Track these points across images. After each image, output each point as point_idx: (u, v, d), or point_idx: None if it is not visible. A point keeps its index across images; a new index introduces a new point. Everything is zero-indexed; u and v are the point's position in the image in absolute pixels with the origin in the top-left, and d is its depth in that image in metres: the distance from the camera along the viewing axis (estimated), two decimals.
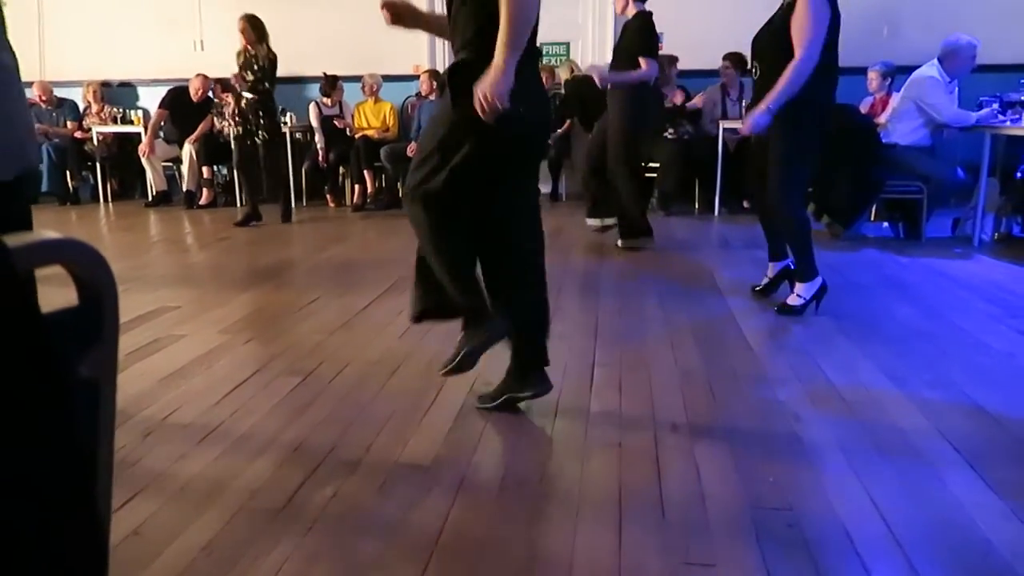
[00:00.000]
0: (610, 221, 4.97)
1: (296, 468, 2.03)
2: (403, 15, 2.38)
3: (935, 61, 4.92)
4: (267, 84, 5.80)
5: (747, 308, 3.55)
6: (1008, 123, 4.77)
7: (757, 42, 3.45)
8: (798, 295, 3.41)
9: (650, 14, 4.59)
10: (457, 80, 2.12)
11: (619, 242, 4.87)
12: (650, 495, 1.87)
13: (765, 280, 3.73)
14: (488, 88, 1.99)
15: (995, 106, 4.95)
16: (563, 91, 6.95)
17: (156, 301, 3.75)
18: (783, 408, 2.39)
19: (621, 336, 3.15)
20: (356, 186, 6.91)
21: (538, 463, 2.06)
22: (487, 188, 2.23)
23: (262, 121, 5.85)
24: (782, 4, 3.32)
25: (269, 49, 5.76)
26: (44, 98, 7.52)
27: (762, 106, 3.22)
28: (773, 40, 3.30)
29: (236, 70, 5.86)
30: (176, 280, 4.31)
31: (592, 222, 5.07)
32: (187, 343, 3.11)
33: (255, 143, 5.90)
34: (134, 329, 3.29)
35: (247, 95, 5.80)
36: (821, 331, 3.18)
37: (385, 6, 2.33)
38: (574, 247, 5.07)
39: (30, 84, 7.73)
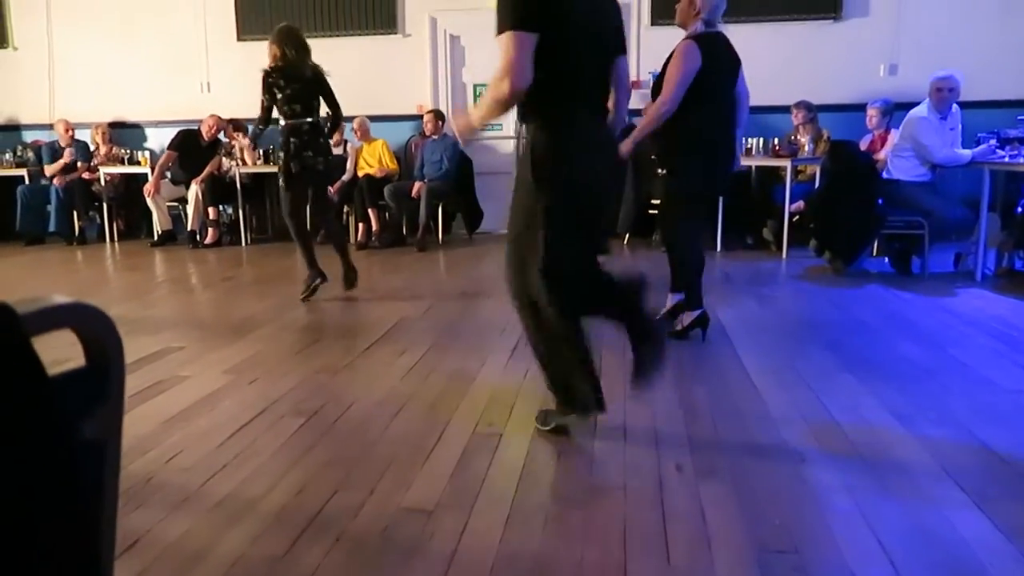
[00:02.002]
0: None
1: (299, 513, 2.02)
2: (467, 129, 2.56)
3: (926, 100, 4.97)
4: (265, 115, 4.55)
5: (750, 344, 3.55)
6: (1007, 159, 4.81)
7: (654, 84, 3.64)
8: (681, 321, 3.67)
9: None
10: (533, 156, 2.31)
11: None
12: (655, 538, 1.86)
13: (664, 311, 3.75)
14: (457, 121, 2.44)
15: (992, 142, 4.99)
16: None
17: (160, 342, 3.76)
18: (788, 447, 2.38)
19: (625, 374, 3.13)
20: (360, 224, 6.96)
21: (541, 507, 2.05)
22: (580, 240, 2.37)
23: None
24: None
25: (281, 62, 4.46)
26: (69, 133, 7.63)
27: (628, 139, 3.49)
28: (658, 82, 3.53)
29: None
30: (180, 320, 4.33)
31: None
32: (191, 384, 3.12)
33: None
34: (138, 371, 3.30)
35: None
36: (825, 368, 3.17)
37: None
38: None
39: (48, 126, 7.86)
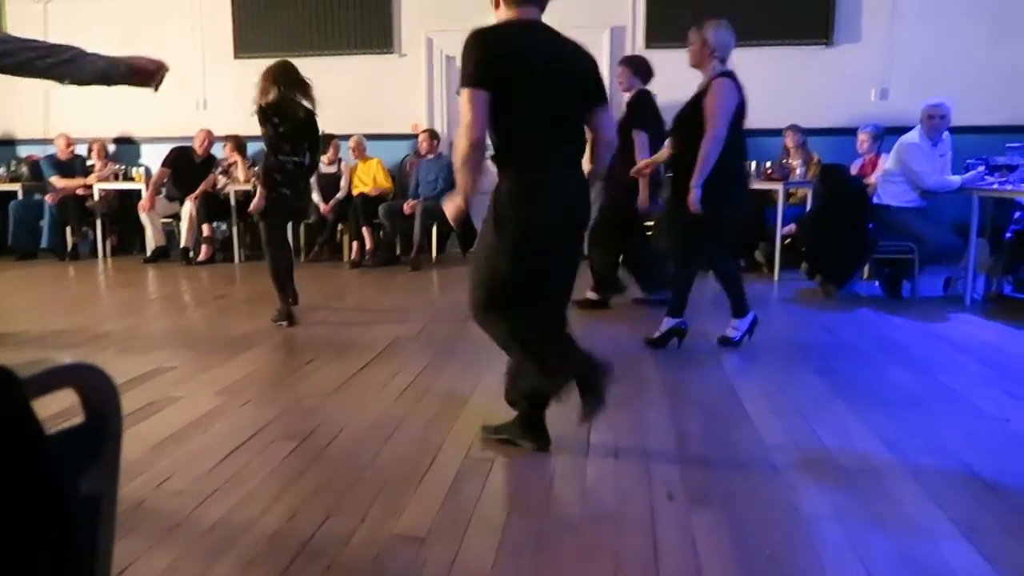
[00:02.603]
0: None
1: (290, 539, 2.01)
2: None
3: (918, 126, 5.03)
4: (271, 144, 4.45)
5: (742, 369, 3.57)
6: (996, 185, 4.86)
7: (676, 122, 3.85)
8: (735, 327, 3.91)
9: (647, 93, 4.84)
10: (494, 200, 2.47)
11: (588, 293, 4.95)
12: (646, 568, 1.86)
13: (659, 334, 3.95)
14: (449, 211, 2.48)
15: (981, 168, 5.05)
16: None
17: (153, 362, 3.75)
18: (779, 476, 2.39)
19: (618, 400, 3.13)
20: (354, 243, 6.97)
21: (533, 535, 2.05)
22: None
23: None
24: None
25: (277, 99, 4.41)
26: (70, 148, 7.65)
27: (693, 186, 3.58)
28: (688, 120, 3.71)
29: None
30: (173, 339, 4.32)
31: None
32: (183, 406, 3.11)
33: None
34: (131, 391, 3.29)
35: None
36: (816, 394, 3.19)
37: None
38: (570, 309, 5.09)
39: (48, 140, 7.85)
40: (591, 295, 4.99)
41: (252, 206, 4.57)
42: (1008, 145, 5.25)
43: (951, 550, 1.92)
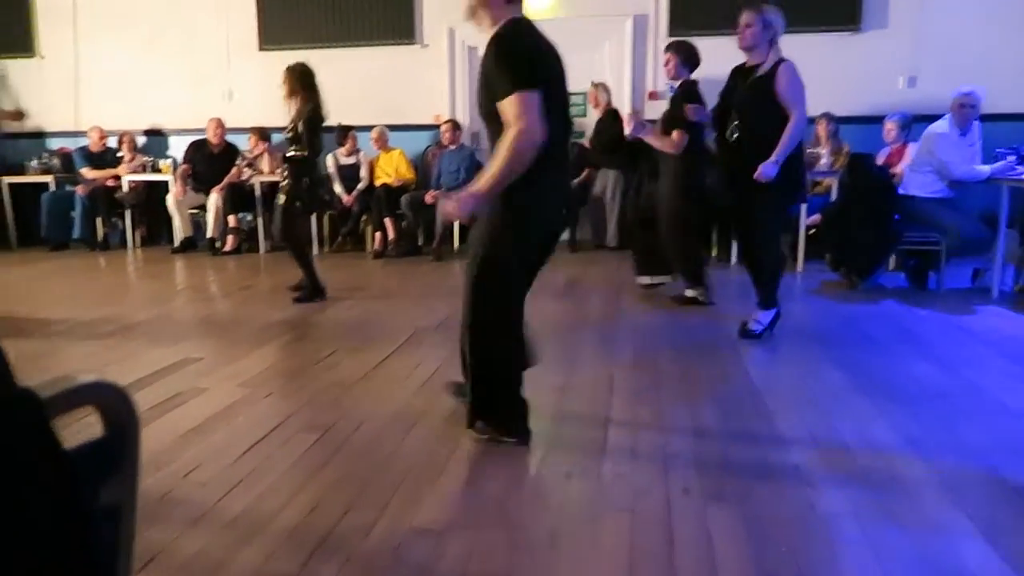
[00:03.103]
0: (661, 279, 4.99)
1: (311, 531, 2.06)
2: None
3: (948, 115, 4.95)
4: (301, 146, 4.82)
5: (762, 362, 3.56)
6: None
7: (742, 108, 3.82)
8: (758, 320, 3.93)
9: (695, 83, 4.62)
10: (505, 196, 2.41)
11: (687, 292, 4.81)
12: (662, 563, 1.88)
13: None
14: (460, 206, 2.33)
15: (1011, 158, 4.95)
16: (586, 138, 7.10)
17: (179, 352, 3.82)
18: (797, 472, 2.39)
19: (637, 393, 3.16)
20: (377, 233, 7.02)
21: (550, 528, 2.07)
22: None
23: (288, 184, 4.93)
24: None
25: (306, 104, 4.81)
26: (103, 141, 7.79)
27: (771, 159, 3.63)
28: (757, 104, 3.73)
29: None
30: (199, 330, 4.40)
31: (643, 279, 5.07)
32: (208, 397, 3.17)
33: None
34: (158, 382, 3.37)
35: (288, 153, 4.95)
36: (837, 388, 3.17)
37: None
38: (590, 297, 5.11)
39: (79, 133, 7.98)
40: (689, 292, 4.78)
41: (284, 201, 4.97)
42: None
43: (969, 550, 1.91)
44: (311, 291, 5.02)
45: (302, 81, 4.80)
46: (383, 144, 7.28)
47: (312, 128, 4.81)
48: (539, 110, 2.28)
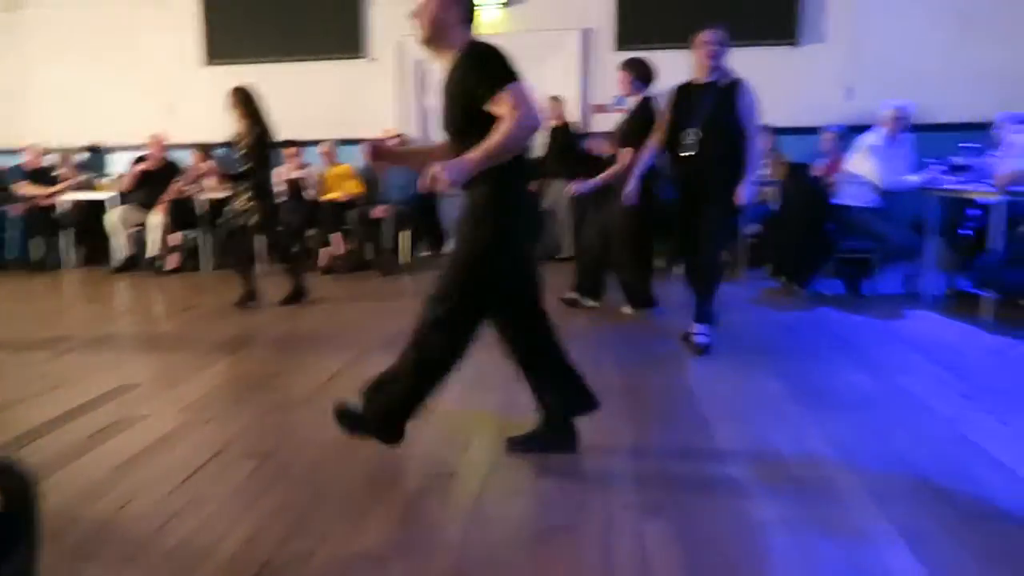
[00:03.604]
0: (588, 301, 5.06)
1: (250, 561, 2.04)
2: (386, 156, 2.75)
3: (877, 127, 5.12)
4: (252, 164, 5.12)
5: (703, 373, 3.62)
6: (951, 185, 4.96)
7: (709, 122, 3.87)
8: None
9: (652, 100, 4.65)
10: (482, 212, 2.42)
11: (627, 308, 4.90)
12: None
13: None
14: (447, 171, 2.21)
15: (938, 168, 5.13)
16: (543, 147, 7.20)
17: (118, 378, 3.74)
18: (733, 483, 2.44)
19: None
20: (324, 249, 6.96)
21: (491, 550, 2.09)
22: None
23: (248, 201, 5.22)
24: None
25: (254, 125, 5.09)
26: (40, 159, 7.58)
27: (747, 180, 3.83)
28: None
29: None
30: (140, 354, 4.31)
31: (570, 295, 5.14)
32: (146, 425, 3.11)
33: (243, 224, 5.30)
34: (95, 410, 3.29)
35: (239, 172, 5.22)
36: (774, 397, 3.25)
37: (371, 147, 2.65)
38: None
39: (16, 151, 7.74)
40: (626, 310, 4.91)
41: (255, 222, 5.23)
42: (961, 145, 5.35)
43: (895, 557, 1.98)
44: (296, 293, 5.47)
45: (247, 104, 5.09)
46: (332, 159, 7.24)
47: (262, 147, 5.12)
48: (531, 99, 2.27)
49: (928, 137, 6.12)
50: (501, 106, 2.26)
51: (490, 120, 2.28)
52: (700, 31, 3.87)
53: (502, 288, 2.54)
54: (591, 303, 5.07)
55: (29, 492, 0.59)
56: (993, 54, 6.76)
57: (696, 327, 3.98)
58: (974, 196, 4.86)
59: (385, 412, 2.60)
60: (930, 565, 1.93)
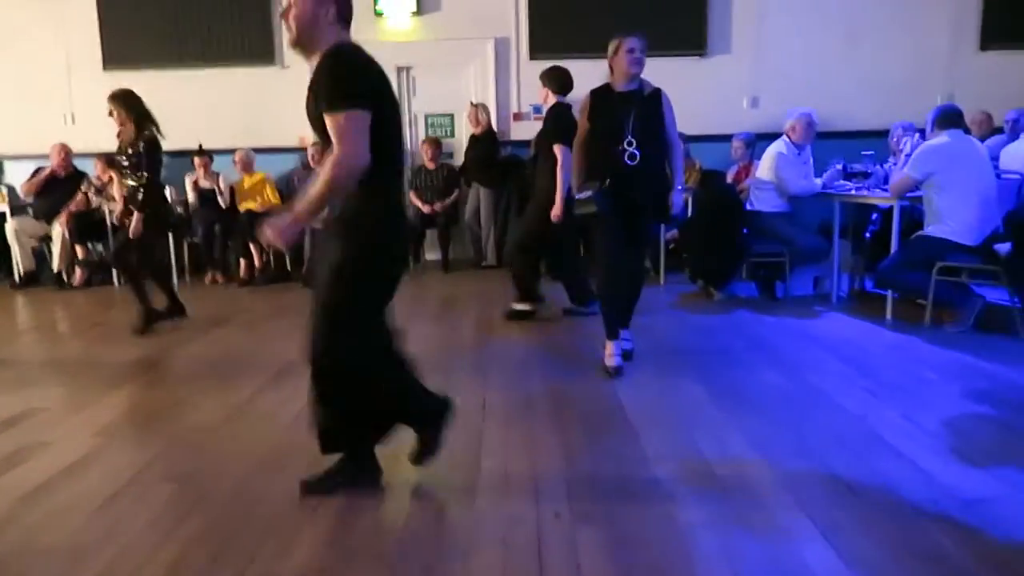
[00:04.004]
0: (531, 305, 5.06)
1: None
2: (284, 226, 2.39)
3: (783, 135, 5.35)
4: (144, 172, 4.73)
5: (627, 379, 3.69)
6: (853, 191, 5.23)
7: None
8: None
9: (566, 105, 4.83)
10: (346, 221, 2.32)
11: (517, 306, 4.99)
12: None
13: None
14: (279, 230, 2.21)
15: (838, 166, 5.37)
16: (455, 159, 7.20)
17: (23, 402, 3.54)
18: (660, 488, 2.51)
19: (508, 419, 3.21)
20: (242, 260, 6.77)
21: (424, 565, 2.08)
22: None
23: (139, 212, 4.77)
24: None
25: (143, 131, 4.73)
26: None
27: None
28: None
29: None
30: (46, 375, 4.08)
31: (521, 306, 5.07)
32: (55, 451, 2.95)
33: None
34: None
35: (127, 182, 4.84)
36: (696, 401, 3.35)
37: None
38: (463, 320, 5.14)
39: None
40: (518, 306, 5.00)
41: (133, 230, 4.74)
42: (863, 152, 5.64)
43: (812, 552, 2.07)
44: (171, 310, 5.05)
45: (130, 107, 4.72)
46: (247, 167, 7.05)
47: (152, 153, 4.74)
48: (365, 133, 2.16)
49: (825, 144, 6.43)
50: (333, 129, 2.16)
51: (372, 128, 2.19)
52: (620, 37, 3.76)
53: (388, 288, 2.41)
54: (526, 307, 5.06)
55: None
56: (881, 65, 7.19)
57: (622, 332, 3.92)
58: (874, 201, 5.12)
59: (350, 450, 2.53)
60: (846, 558, 2.03)
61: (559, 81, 4.90)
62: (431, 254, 7.49)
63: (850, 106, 7.10)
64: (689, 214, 6.15)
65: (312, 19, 2.26)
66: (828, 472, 2.58)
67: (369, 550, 2.16)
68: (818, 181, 5.36)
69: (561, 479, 2.59)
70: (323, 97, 2.17)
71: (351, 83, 2.18)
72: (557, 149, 4.66)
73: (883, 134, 5.97)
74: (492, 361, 4.10)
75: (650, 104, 3.79)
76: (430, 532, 2.28)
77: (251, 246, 6.70)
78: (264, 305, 5.81)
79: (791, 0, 7.25)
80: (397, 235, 2.41)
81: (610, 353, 3.81)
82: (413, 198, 7.16)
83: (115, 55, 7.32)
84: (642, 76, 3.84)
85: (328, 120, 2.17)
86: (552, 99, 4.89)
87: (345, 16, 2.33)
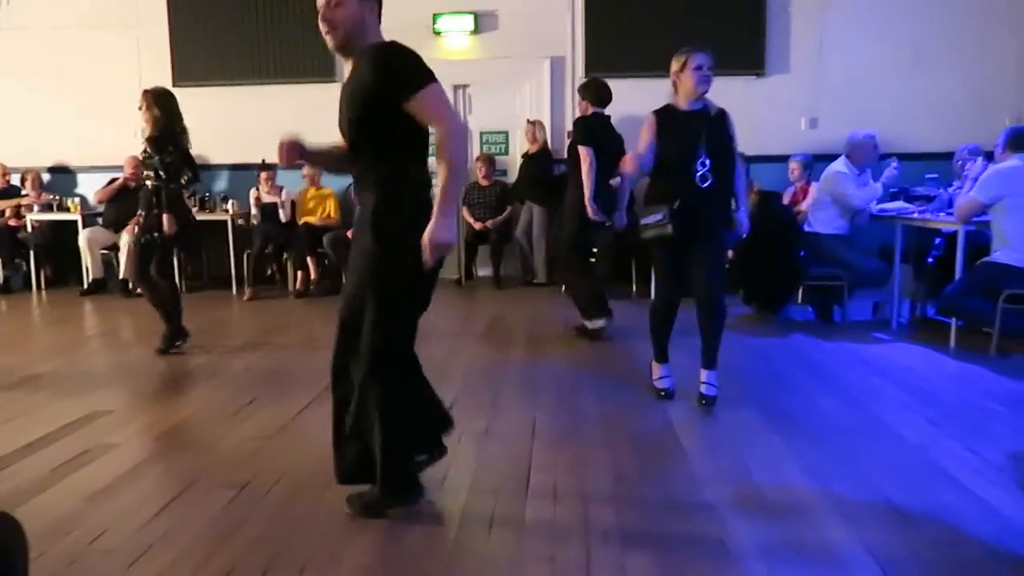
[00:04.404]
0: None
1: None
2: (296, 153, 2.49)
3: (843, 156, 5.25)
4: (163, 173, 4.56)
5: (679, 401, 3.65)
6: (916, 215, 5.09)
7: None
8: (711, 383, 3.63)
9: (600, 115, 4.94)
10: (379, 220, 2.28)
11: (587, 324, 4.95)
12: None
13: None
14: (435, 240, 2.19)
15: (893, 166, 5.17)
16: (509, 176, 7.27)
17: (88, 405, 3.67)
18: (711, 512, 2.47)
19: (559, 437, 3.20)
20: (299, 272, 6.93)
21: None
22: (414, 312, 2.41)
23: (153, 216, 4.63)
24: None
25: (154, 125, 4.58)
26: (6, 177, 7.50)
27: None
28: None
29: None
30: (110, 380, 4.23)
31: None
32: (118, 454, 3.06)
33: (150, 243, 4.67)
34: (64, 439, 3.23)
35: (147, 182, 4.67)
36: (749, 426, 3.29)
37: (282, 146, 2.44)
38: (514, 337, 5.15)
39: None
40: (589, 324, 4.93)
41: (168, 229, 4.60)
42: (927, 175, 5.50)
43: None
44: (171, 336, 4.74)
45: (155, 102, 4.60)
46: (315, 181, 7.22)
47: (160, 148, 4.55)
48: (449, 100, 2.21)
49: (883, 166, 6.29)
50: (425, 108, 2.16)
51: (393, 121, 2.19)
52: (686, 53, 3.54)
53: (418, 290, 2.36)
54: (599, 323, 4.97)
55: (18, 541, 0.59)
56: (947, 86, 7.01)
57: (706, 375, 3.66)
58: (938, 226, 4.98)
59: (384, 471, 2.40)
60: None
61: (597, 93, 4.97)
62: (483, 270, 7.54)
63: (913, 127, 6.94)
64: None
65: (360, 20, 2.29)
66: (885, 502, 2.51)
67: (417, 565, 2.18)
68: (877, 185, 5.21)
69: (610, 499, 2.57)
70: (398, 87, 2.17)
71: (418, 63, 2.20)
72: (583, 150, 4.69)
73: (947, 157, 5.82)
74: (543, 379, 4.10)
75: (718, 124, 3.60)
76: (478, 547, 2.29)
77: (308, 258, 6.84)
78: (318, 317, 5.92)
79: (853, 20, 7.14)
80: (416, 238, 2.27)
81: (658, 376, 3.77)
82: (466, 214, 7.23)
83: (184, 72, 7.59)
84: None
85: (414, 105, 2.17)
86: (589, 110, 4.94)
87: (380, 16, 2.37)
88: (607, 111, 5.02)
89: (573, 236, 4.93)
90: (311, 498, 2.61)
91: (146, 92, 4.66)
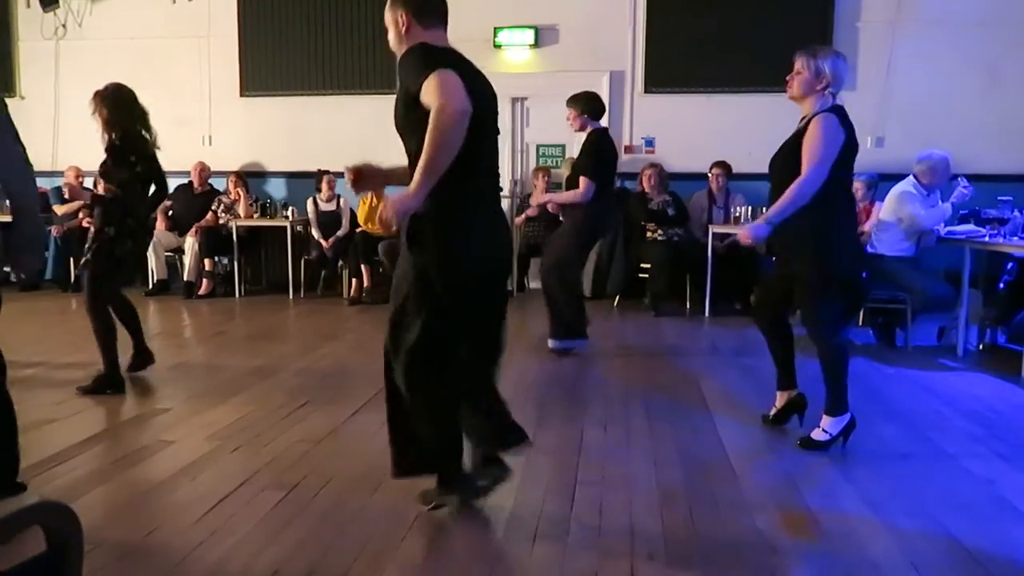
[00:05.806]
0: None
1: None
2: (368, 179, 2.58)
3: (911, 176, 5.09)
4: (122, 191, 4.01)
5: (732, 422, 3.57)
6: (987, 238, 4.90)
7: (772, 161, 3.31)
8: (824, 429, 3.19)
9: (604, 131, 4.83)
10: (415, 226, 2.30)
11: (550, 343, 4.90)
12: None
13: (774, 410, 3.52)
14: (393, 203, 2.14)
15: (963, 185, 5.00)
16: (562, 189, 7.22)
17: (148, 403, 3.79)
18: (760, 538, 2.40)
19: (606, 452, 3.17)
20: (353, 280, 7.03)
21: None
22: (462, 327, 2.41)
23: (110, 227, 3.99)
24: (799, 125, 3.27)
25: (110, 130, 4.06)
26: (79, 180, 7.82)
27: (762, 219, 3.17)
28: (785, 159, 3.18)
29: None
30: (169, 379, 4.35)
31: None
32: (174, 451, 3.13)
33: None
34: (123, 433, 3.33)
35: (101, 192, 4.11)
36: (803, 452, 3.19)
37: (351, 171, 2.53)
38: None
39: (56, 173, 7.97)
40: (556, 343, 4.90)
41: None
42: (1000, 198, 5.29)
43: None
44: (107, 378, 3.95)
45: (106, 102, 4.05)
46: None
47: (119, 158, 3.98)
48: (459, 87, 2.08)
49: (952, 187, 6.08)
50: (427, 95, 2.11)
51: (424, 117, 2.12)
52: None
53: (467, 308, 2.37)
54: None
55: (74, 530, 0.60)
56: (1022, 106, 6.74)
57: (828, 422, 3.21)
58: (1010, 250, 4.79)
59: (436, 465, 2.52)
60: None
61: (593, 105, 4.82)
62: (535, 283, 7.53)
63: (987, 148, 6.68)
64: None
65: (392, 23, 2.37)
66: (948, 536, 2.40)
67: (461, 573, 2.17)
68: (946, 205, 5.04)
69: (657, 518, 2.52)
70: (410, 80, 2.18)
71: (429, 55, 2.22)
72: (583, 181, 4.64)
73: (1021, 179, 5.59)
74: (592, 392, 4.07)
75: (798, 135, 3.19)
76: (522, 558, 2.26)
77: (363, 266, 6.94)
78: (371, 324, 5.99)
79: (925, 37, 6.93)
80: (468, 242, 2.31)
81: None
82: (520, 223, 7.26)
83: (251, 83, 7.83)
84: (830, 103, 3.18)
85: (423, 95, 2.13)
86: (589, 125, 4.80)
87: (427, 16, 2.37)
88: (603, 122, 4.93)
89: (575, 254, 4.89)
90: (358, 502, 2.63)
91: (96, 93, 4.08)
